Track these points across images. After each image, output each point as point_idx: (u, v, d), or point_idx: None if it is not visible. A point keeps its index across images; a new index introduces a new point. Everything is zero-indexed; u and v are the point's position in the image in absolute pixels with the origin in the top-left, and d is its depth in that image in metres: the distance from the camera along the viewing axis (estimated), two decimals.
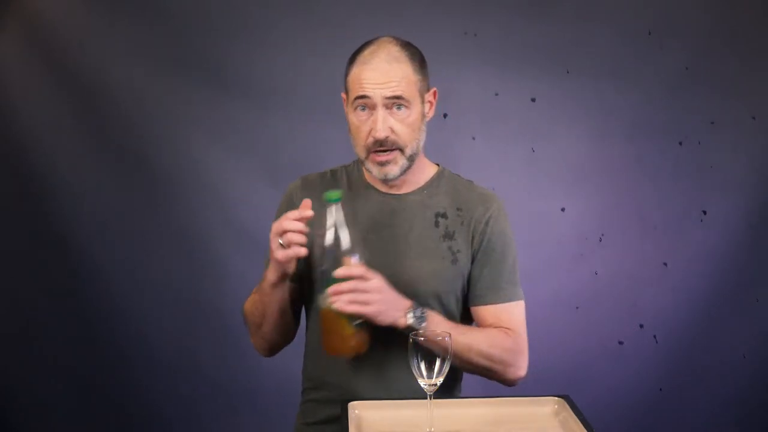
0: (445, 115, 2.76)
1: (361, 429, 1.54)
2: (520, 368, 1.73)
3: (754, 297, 2.85)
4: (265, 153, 2.73)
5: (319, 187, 1.78)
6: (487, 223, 1.77)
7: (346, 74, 1.72)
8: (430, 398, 1.48)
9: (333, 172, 1.84)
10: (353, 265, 1.56)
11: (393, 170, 1.70)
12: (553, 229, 2.79)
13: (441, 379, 1.46)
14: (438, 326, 1.61)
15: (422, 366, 1.45)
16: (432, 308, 1.69)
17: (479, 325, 1.79)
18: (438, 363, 1.45)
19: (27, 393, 2.69)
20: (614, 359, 2.83)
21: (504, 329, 1.73)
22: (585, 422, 1.51)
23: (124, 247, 2.71)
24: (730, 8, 2.79)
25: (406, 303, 1.62)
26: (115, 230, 2.69)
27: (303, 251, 1.55)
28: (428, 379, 1.46)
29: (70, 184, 2.68)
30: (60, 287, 2.69)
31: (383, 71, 1.66)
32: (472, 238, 1.76)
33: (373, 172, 1.71)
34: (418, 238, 1.74)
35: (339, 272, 1.55)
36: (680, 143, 2.82)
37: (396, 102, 1.67)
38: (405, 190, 1.78)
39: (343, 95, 1.75)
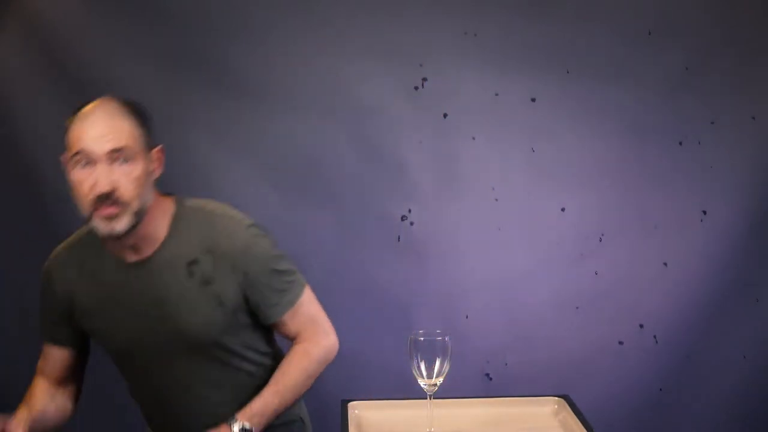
0: (445, 115, 2.76)
1: (361, 429, 1.54)
2: (330, 350, 1.81)
3: (754, 297, 2.85)
4: (265, 153, 2.73)
5: (71, 260, 1.77)
6: (243, 254, 1.71)
7: (66, 135, 1.66)
8: (430, 398, 1.48)
9: (81, 243, 1.78)
10: None
11: (119, 226, 1.62)
12: (553, 229, 2.79)
13: (441, 379, 1.46)
14: (261, 410, 1.70)
15: (422, 366, 1.45)
16: (216, 355, 1.74)
17: (287, 336, 1.80)
18: (438, 363, 1.45)
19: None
20: (614, 359, 2.83)
21: (298, 345, 1.79)
22: (585, 422, 1.51)
23: None
24: (730, 8, 2.79)
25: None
26: None
27: None
28: (428, 379, 1.46)
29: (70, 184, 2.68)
30: None
31: (103, 125, 1.63)
32: (232, 273, 1.71)
33: (99, 228, 1.63)
34: (178, 295, 1.70)
35: None
36: (680, 143, 2.82)
37: (118, 156, 1.61)
38: (147, 250, 1.71)
39: (64, 157, 1.68)
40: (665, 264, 2.83)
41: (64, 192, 2.67)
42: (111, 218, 1.61)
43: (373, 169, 2.75)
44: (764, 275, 2.84)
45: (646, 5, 2.77)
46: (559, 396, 1.63)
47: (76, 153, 1.62)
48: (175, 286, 1.69)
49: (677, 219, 2.82)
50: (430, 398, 1.48)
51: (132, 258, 1.70)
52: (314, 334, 1.79)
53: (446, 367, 1.45)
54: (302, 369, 1.76)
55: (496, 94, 2.77)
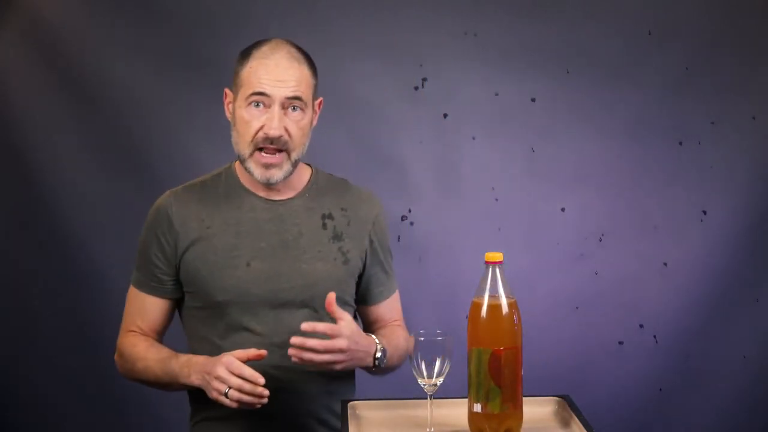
0: (445, 115, 2.76)
1: (361, 429, 1.54)
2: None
3: (754, 297, 2.85)
4: None
5: (194, 198, 1.73)
6: (374, 223, 1.80)
7: (238, 69, 1.67)
8: (430, 398, 1.48)
9: (203, 183, 1.77)
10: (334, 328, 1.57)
11: (277, 174, 1.66)
12: (553, 229, 2.79)
13: (441, 379, 1.46)
14: (390, 353, 1.70)
15: (422, 366, 1.45)
16: (319, 313, 1.69)
17: (376, 320, 1.84)
18: (438, 363, 1.45)
19: (27, 393, 2.69)
20: (614, 359, 2.83)
21: (398, 324, 1.85)
22: (585, 422, 1.51)
23: (124, 247, 2.69)
24: (731, 8, 2.79)
25: (371, 342, 1.66)
26: (116, 230, 2.69)
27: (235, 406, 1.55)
28: (428, 379, 1.46)
29: (70, 184, 2.68)
30: (60, 287, 2.69)
31: (284, 69, 1.64)
32: (362, 237, 1.77)
33: (255, 174, 1.66)
34: (308, 241, 1.72)
35: (305, 327, 1.56)
36: (680, 143, 2.82)
37: (293, 103, 1.65)
38: (286, 194, 1.75)
39: (228, 90, 1.72)
40: (665, 264, 2.83)
41: (64, 191, 2.69)
42: (270, 167, 1.64)
43: (372, 169, 2.74)
44: (764, 275, 2.84)
45: (646, 5, 2.77)
46: (559, 396, 1.63)
47: (253, 93, 1.63)
48: (306, 233, 1.72)
49: (677, 219, 2.82)
50: (430, 398, 1.48)
51: (269, 195, 1.73)
52: (404, 329, 1.85)
53: (446, 367, 1.45)
54: (404, 348, 1.75)
55: (496, 94, 2.77)
